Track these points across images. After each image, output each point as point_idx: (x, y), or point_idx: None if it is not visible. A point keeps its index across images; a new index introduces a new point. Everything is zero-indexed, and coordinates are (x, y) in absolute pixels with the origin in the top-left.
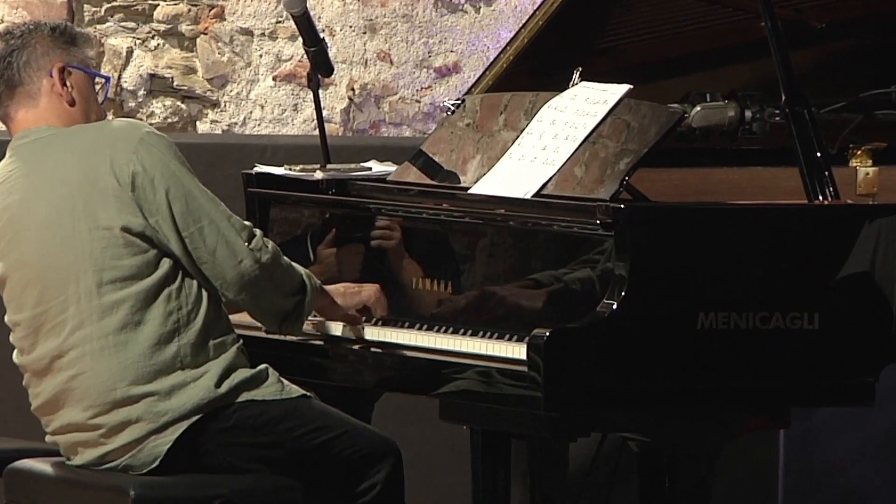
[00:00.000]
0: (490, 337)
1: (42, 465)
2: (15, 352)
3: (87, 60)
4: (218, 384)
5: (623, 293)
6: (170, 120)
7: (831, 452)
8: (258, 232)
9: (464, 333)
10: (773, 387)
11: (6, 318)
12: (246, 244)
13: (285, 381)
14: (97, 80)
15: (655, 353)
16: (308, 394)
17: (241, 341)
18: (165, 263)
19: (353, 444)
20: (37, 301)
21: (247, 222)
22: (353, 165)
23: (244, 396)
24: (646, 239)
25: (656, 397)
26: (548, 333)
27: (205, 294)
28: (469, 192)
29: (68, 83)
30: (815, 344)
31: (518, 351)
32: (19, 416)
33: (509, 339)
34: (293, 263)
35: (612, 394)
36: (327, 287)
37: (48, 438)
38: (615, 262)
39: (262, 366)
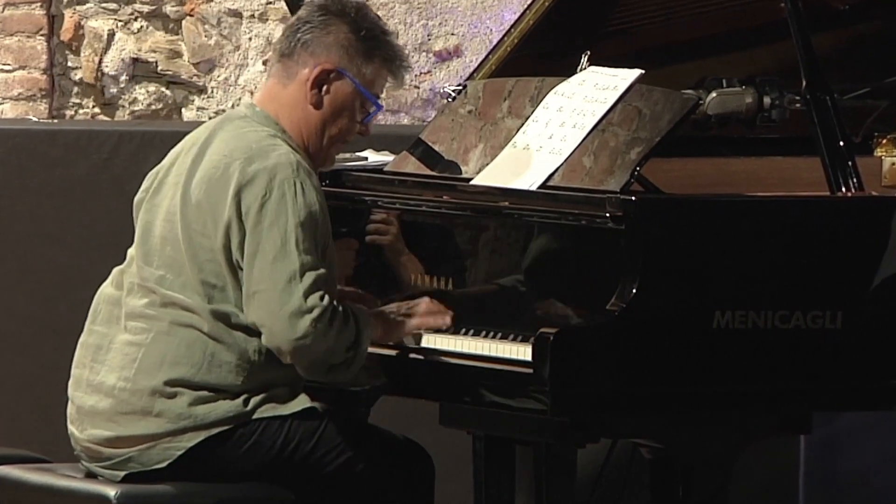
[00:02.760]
0: (493, 337)
1: (22, 472)
2: (110, 280)
3: (369, 80)
4: (246, 402)
5: (634, 291)
6: (154, 107)
7: (854, 459)
8: (331, 309)
9: (465, 333)
10: (793, 390)
11: (135, 253)
12: (313, 325)
13: (310, 400)
14: (366, 101)
15: (668, 355)
16: (330, 408)
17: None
18: None
19: (376, 461)
20: (151, 269)
21: (326, 297)
22: (347, 155)
23: (269, 411)
24: (658, 233)
25: (669, 401)
26: (554, 333)
27: None
28: (471, 183)
29: (326, 87)
30: (838, 344)
31: (523, 352)
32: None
33: (514, 340)
34: (351, 313)
35: (623, 397)
36: (381, 311)
37: (74, 389)
38: (626, 258)
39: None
